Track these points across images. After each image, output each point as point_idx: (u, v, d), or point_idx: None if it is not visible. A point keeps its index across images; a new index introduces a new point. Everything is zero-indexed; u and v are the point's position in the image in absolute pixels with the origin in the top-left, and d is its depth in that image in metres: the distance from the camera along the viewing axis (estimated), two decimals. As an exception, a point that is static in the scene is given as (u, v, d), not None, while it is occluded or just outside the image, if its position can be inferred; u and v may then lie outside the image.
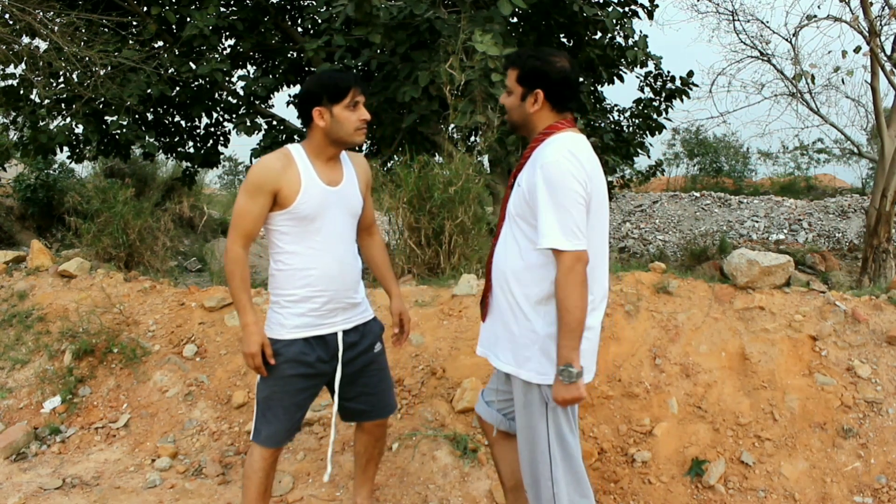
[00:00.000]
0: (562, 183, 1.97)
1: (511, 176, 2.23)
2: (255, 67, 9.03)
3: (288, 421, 2.38)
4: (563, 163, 1.99)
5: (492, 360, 2.24)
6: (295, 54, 8.53)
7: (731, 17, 9.93)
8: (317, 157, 2.31)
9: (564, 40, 8.04)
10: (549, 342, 2.06)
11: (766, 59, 9.87)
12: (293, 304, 2.32)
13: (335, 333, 2.39)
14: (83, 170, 11.49)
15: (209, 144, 8.96)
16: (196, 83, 7.61)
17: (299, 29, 8.64)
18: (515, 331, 2.10)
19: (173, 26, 7.58)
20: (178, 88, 7.62)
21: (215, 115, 8.67)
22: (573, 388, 2.00)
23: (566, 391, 2.01)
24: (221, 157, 9.14)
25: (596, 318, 2.16)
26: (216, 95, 8.14)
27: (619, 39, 8.01)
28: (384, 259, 2.65)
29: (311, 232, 2.29)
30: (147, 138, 7.57)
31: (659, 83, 9.04)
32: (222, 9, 7.32)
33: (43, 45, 6.62)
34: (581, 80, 7.96)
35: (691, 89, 8.98)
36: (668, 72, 8.98)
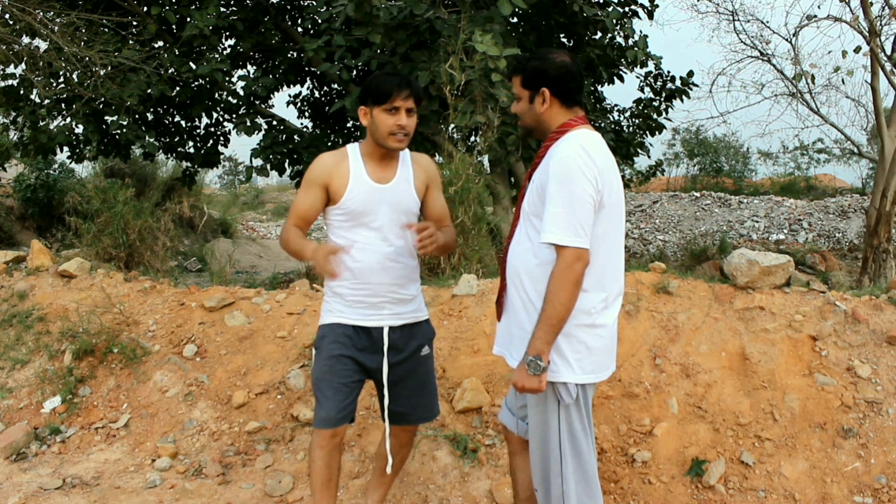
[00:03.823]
0: (571, 179, 1.98)
1: (526, 175, 2.24)
2: (255, 67, 9.01)
3: (339, 402, 2.39)
4: (575, 158, 1.99)
5: (508, 359, 2.24)
6: (295, 54, 8.52)
7: (731, 17, 9.89)
8: (369, 156, 2.41)
9: (564, 40, 8.04)
10: (562, 339, 2.06)
11: (766, 59, 9.84)
12: (337, 295, 2.44)
13: (381, 328, 2.44)
14: (83, 170, 11.49)
15: (209, 144, 8.95)
16: (196, 83, 7.60)
17: (299, 29, 8.63)
18: (529, 328, 2.09)
19: (173, 26, 7.57)
20: (178, 88, 7.60)
21: (215, 115, 8.66)
22: (535, 379, 2.02)
23: (528, 380, 2.02)
24: (221, 157, 9.14)
25: (610, 315, 2.16)
26: (216, 95, 8.13)
27: (619, 39, 8.01)
28: (445, 231, 2.55)
29: (359, 226, 2.40)
30: (147, 138, 7.57)
31: (659, 83, 9.03)
32: (222, 9, 7.31)
33: (43, 45, 6.62)
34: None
35: (691, 89, 8.97)
36: (668, 72, 8.97)
